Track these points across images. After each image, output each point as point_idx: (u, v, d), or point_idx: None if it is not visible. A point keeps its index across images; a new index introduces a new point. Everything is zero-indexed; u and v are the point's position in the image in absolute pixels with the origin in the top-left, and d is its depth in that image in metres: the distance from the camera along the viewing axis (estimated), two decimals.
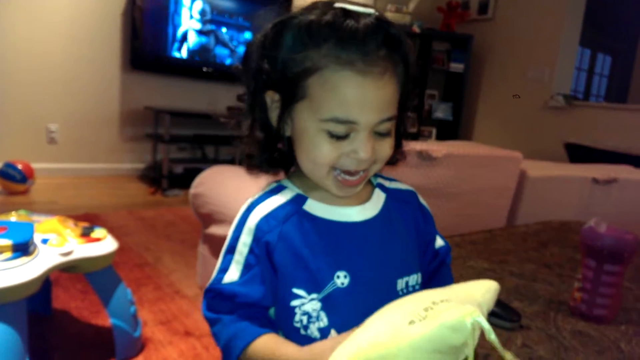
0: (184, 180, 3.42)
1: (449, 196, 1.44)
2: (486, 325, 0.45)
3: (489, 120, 4.71)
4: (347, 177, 0.59)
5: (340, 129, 0.56)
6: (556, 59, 4.13)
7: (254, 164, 0.65)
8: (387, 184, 0.69)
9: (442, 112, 4.72)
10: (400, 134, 0.67)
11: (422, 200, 0.71)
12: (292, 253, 0.59)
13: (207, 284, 0.63)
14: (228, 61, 3.99)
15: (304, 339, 0.58)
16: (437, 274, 0.71)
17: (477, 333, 0.46)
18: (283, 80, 0.58)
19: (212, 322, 0.62)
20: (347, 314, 0.58)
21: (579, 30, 4.19)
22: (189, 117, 3.73)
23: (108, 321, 1.40)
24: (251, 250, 0.60)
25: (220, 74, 3.94)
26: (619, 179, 1.88)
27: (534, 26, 4.24)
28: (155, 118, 3.73)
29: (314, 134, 0.57)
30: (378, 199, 0.66)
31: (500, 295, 0.97)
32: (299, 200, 0.62)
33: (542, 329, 0.86)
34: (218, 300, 0.61)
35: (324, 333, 0.59)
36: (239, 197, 1.52)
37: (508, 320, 0.84)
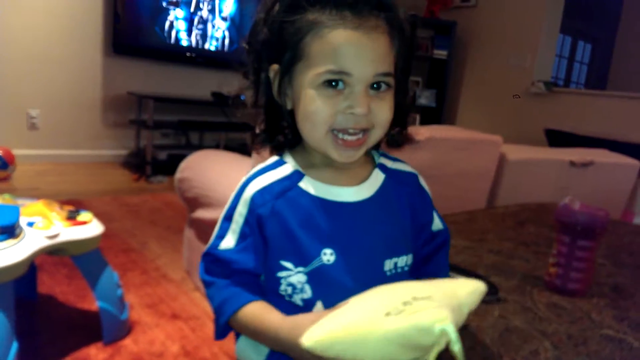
0: (168, 167, 3.41)
1: (431, 179, 1.46)
2: (453, 336, 0.48)
3: (472, 107, 4.77)
4: (346, 136, 0.60)
5: (334, 80, 0.57)
6: (537, 46, 4.18)
7: (257, 142, 0.67)
8: (389, 164, 0.70)
9: (425, 98, 4.75)
10: (403, 112, 0.68)
11: (423, 182, 0.72)
12: (282, 227, 0.62)
13: (205, 248, 0.66)
14: (213, 46, 3.96)
15: (288, 305, 0.62)
16: (432, 258, 0.72)
17: (445, 339, 0.48)
18: (281, 45, 0.60)
19: (207, 285, 0.65)
20: (331, 289, 0.61)
21: (559, 18, 4.25)
22: (173, 102, 3.70)
23: (94, 305, 1.41)
24: (246, 221, 0.63)
25: (204, 60, 3.91)
26: (595, 162, 1.94)
27: (516, 13, 4.28)
28: (138, 104, 3.69)
29: (310, 92, 0.59)
30: (376, 180, 0.67)
31: (479, 270, 1.02)
32: (296, 176, 0.64)
33: (518, 301, 0.89)
34: (214, 264, 0.64)
35: (307, 303, 0.62)
36: (225, 181, 1.53)
37: (486, 293, 0.87)
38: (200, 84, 4.01)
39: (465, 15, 4.64)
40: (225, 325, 0.63)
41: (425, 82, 4.90)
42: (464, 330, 0.76)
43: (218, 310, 0.63)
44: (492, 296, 0.88)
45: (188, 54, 3.83)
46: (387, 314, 0.49)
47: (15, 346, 1.07)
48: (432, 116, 4.76)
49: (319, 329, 0.49)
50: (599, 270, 1.10)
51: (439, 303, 0.51)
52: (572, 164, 1.89)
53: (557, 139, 3.69)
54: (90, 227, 1.32)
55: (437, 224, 0.73)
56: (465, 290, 0.56)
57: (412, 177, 0.71)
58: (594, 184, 1.95)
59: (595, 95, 4.08)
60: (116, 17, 3.47)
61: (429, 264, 0.71)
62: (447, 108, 4.86)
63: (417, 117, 4.80)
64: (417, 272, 0.69)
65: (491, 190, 1.76)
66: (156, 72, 3.83)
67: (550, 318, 0.84)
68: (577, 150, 2.05)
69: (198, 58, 3.88)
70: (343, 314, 0.51)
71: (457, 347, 0.48)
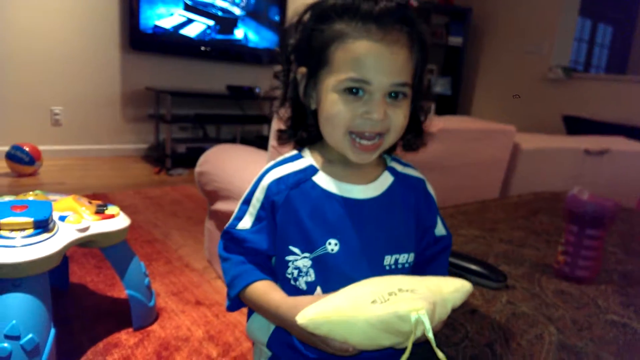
0: (187, 160, 3.49)
1: (444, 169, 1.50)
2: (427, 324, 0.54)
3: (488, 94, 4.74)
4: (363, 141, 0.65)
5: (355, 88, 0.63)
6: (555, 30, 4.12)
7: (283, 138, 0.74)
8: (399, 168, 0.75)
9: (440, 86, 4.74)
10: (419, 121, 0.74)
11: (429, 188, 0.76)
12: (293, 216, 0.68)
13: (225, 227, 0.73)
14: (228, 40, 4.00)
15: (292, 289, 0.69)
16: (434, 261, 0.76)
17: (421, 327, 0.55)
18: (310, 51, 0.66)
19: (223, 260, 0.72)
20: (332, 275, 0.67)
21: (578, 0, 4.18)
22: (189, 96, 3.77)
23: (123, 293, 1.48)
24: (262, 206, 0.70)
25: (219, 53, 3.96)
26: (610, 149, 1.94)
27: None
28: (156, 98, 3.77)
29: (332, 96, 0.64)
30: (384, 181, 0.72)
31: (489, 259, 1.05)
32: (310, 170, 0.70)
33: (526, 288, 0.93)
34: (231, 242, 0.72)
35: (310, 287, 0.68)
36: (243, 174, 1.59)
37: (494, 280, 0.91)
38: (215, 78, 4.07)
39: (481, 1, 4.59)
40: (236, 299, 0.70)
41: (440, 70, 4.88)
42: (473, 315, 0.80)
43: (230, 284, 0.70)
44: (500, 283, 0.91)
45: (203, 48, 3.88)
46: (373, 302, 0.55)
47: (53, 332, 1.15)
48: (447, 104, 4.75)
49: (312, 309, 0.56)
50: (609, 257, 1.13)
51: (421, 296, 0.57)
52: (587, 152, 1.90)
53: (575, 125, 3.66)
54: (117, 220, 1.39)
55: (440, 230, 0.78)
56: (450, 288, 0.62)
57: (419, 182, 0.76)
58: (609, 172, 1.95)
59: (615, 80, 4.02)
60: (132, 13, 3.54)
61: (431, 265, 0.76)
62: (462, 96, 4.84)
63: (432, 106, 4.78)
64: (419, 271, 0.73)
65: (505, 180, 1.78)
66: (172, 66, 3.90)
67: (557, 304, 0.87)
68: (593, 138, 2.05)
69: (213, 52, 3.93)
70: (335, 298, 0.57)
71: (430, 334, 0.55)
